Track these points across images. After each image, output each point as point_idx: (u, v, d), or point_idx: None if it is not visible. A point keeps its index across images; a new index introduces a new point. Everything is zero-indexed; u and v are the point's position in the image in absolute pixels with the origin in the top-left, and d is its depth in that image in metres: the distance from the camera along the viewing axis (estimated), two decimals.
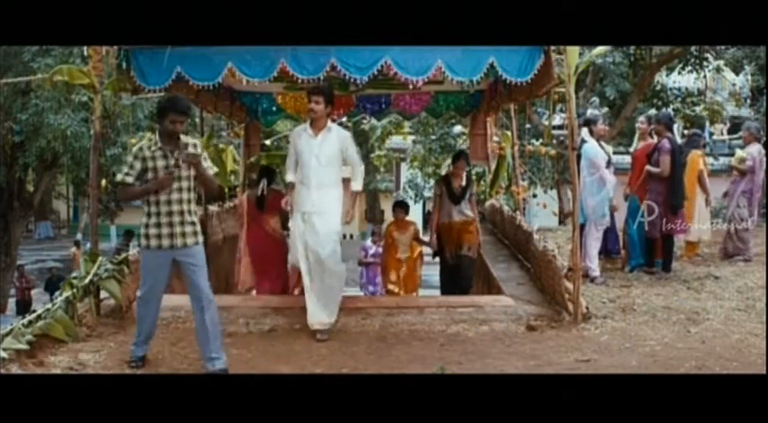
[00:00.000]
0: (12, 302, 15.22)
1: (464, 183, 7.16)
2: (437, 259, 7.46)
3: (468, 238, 7.05)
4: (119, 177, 4.22)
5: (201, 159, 4.25)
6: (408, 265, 7.61)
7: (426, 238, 7.66)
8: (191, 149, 4.24)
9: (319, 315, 5.04)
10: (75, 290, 5.06)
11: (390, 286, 7.58)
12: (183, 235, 4.21)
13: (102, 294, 5.41)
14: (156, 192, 4.17)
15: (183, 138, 4.29)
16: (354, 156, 5.25)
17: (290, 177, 5.32)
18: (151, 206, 4.20)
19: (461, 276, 7.14)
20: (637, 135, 7.77)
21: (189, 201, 4.26)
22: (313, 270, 5.06)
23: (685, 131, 14.46)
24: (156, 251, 4.20)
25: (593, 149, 6.84)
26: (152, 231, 4.19)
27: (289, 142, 5.59)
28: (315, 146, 5.08)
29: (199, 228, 4.34)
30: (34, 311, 4.92)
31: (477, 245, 7.21)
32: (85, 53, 6.04)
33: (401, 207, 7.79)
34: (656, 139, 7.18)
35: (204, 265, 4.30)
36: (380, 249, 8.92)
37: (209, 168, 4.35)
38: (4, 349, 4.08)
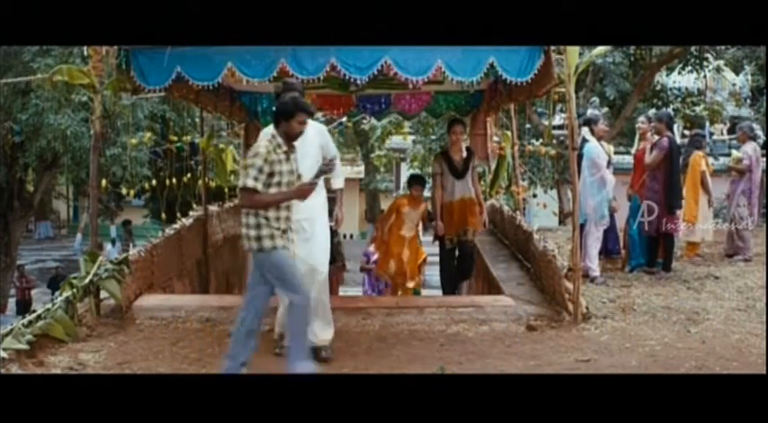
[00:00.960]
0: (12, 302, 15.23)
1: (465, 154, 6.70)
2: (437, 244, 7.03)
3: (472, 221, 6.52)
4: (249, 183, 3.94)
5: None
6: (411, 247, 7.14)
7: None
8: (298, 154, 4.22)
9: (325, 331, 4.67)
10: (75, 290, 5.06)
11: (385, 277, 7.03)
12: (290, 238, 4.17)
13: (103, 294, 5.41)
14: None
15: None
16: (334, 150, 4.87)
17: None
18: (268, 212, 4.06)
19: (463, 263, 6.75)
20: (637, 136, 7.78)
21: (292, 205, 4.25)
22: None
23: (686, 131, 14.50)
24: (284, 250, 4.08)
25: (596, 149, 6.84)
26: (272, 234, 4.04)
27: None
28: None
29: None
30: (34, 311, 4.92)
31: (482, 226, 6.64)
32: (85, 53, 6.04)
33: (419, 182, 7.35)
34: (656, 138, 7.18)
35: None
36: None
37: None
38: (4, 349, 4.08)
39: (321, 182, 4.79)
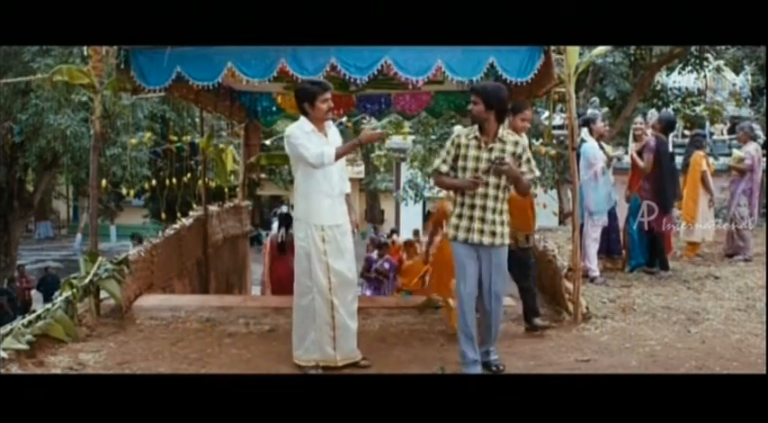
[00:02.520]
0: None
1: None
2: None
3: (526, 224, 5.19)
4: (435, 163, 4.25)
5: (514, 167, 4.02)
6: None
7: None
8: (509, 147, 4.10)
9: (355, 348, 4.43)
10: (75, 290, 5.06)
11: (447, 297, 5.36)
12: (482, 232, 4.08)
13: (103, 294, 5.41)
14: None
15: (503, 132, 4.17)
16: None
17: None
18: (457, 196, 4.21)
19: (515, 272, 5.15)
20: (631, 136, 7.78)
21: (495, 198, 4.10)
22: (336, 297, 4.28)
23: (686, 131, 14.48)
24: (463, 244, 4.12)
25: (592, 150, 6.84)
26: (453, 221, 4.18)
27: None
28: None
29: (503, 228, 4.13)
30: (34, 311, 4.91)
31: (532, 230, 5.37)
32: (85, 53, 6.04)
33: None
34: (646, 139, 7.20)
35: (504, 266, 4.25)
36: (386, 264, 8.63)
37: (529, 172, 4.13)
38: (4, 349, 4.08)
39: (343, 188, 4.49)
